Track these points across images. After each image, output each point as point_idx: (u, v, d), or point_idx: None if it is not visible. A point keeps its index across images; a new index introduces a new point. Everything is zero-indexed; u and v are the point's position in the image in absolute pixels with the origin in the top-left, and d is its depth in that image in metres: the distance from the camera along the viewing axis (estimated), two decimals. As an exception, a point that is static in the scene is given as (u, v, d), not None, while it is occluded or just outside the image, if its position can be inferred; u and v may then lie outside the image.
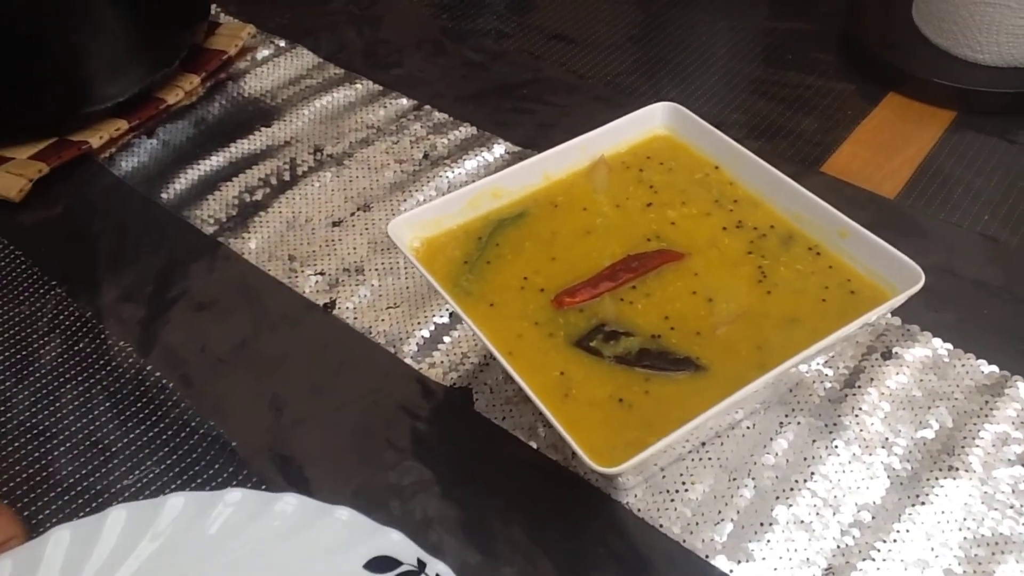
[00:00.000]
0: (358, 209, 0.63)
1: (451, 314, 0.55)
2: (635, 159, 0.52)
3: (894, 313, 0.53)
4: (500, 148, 0.66)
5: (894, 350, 0.51)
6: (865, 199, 0.60)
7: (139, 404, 0.51)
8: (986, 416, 0.48)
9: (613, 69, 0.74)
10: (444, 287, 0.45)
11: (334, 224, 0.62)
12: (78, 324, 0.56)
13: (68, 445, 0.50)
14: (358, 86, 0.73)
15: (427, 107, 0.70)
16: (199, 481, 0.48)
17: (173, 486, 0.47)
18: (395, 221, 0.47)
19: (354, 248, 0.60)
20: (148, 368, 0.53)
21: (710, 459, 0.47)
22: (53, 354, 0.54)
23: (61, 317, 0.57)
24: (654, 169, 0.52)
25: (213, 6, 0.79)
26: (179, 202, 0.64)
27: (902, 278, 0.43)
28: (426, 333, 0.54)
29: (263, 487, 0.47)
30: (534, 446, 0.48)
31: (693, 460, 0.47)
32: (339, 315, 0.56)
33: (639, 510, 0.45)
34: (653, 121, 0.53)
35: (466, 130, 0.68)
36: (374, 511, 0.43)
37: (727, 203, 0.49)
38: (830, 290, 0.45)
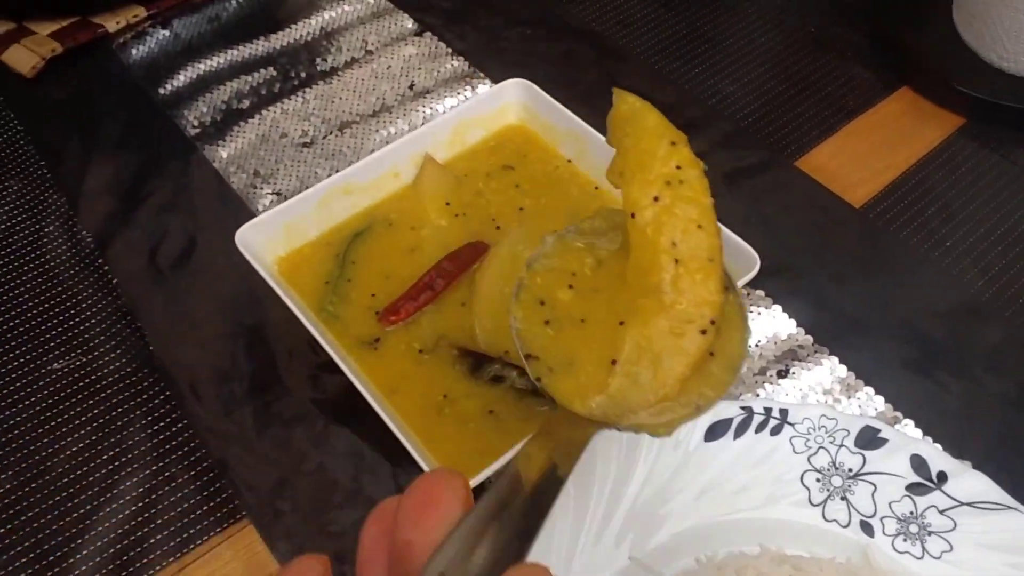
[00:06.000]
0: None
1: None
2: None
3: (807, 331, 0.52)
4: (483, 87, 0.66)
5: (792, 370, 0.51)
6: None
7: (87, 293, 0.57)
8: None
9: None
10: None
11: (304, 145, 0.64)
12: (51, 208, 0.61)
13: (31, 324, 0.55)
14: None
15: (427, 34, 0.71)
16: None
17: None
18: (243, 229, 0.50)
19: (315, 172, 0.62)
20: (99, 261, 0.58)
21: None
22: (22, 235, 0.60)
23: (39, 199, 0.62)
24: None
25: None
26: (173, 99, 0.67)
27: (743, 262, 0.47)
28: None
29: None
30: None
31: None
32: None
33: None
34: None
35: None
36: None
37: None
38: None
